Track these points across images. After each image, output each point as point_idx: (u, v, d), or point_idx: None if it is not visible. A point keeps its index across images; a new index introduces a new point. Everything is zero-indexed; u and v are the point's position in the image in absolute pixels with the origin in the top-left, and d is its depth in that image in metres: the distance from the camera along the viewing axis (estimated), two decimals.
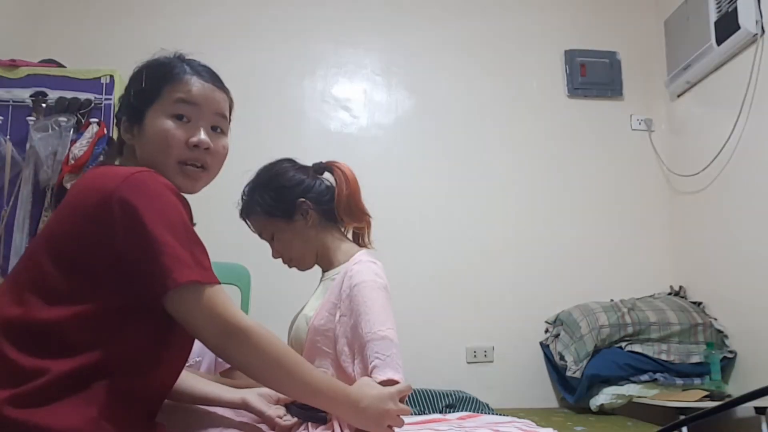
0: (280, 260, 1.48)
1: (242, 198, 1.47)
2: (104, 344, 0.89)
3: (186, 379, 1.24)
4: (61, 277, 0.91)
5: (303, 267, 1.46)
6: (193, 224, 1.84)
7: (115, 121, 1.11)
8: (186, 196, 1.04)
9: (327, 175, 1.48)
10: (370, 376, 1.18)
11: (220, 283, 0.95)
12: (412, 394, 2.35)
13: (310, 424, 1.20)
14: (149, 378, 0.96)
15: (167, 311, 0.92)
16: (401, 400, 1.15)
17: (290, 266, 1.47)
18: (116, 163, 1.11)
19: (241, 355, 0.95)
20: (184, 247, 0.91)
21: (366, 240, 1.47)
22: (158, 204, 0.92)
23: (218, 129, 1.10)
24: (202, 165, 1.06)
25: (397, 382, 1.16)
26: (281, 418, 1.26)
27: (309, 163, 1.50)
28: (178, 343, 1.01)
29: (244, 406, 1.27)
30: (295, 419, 1.25)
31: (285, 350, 1.00)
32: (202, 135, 1.05)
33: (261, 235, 1.46)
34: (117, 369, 0.90)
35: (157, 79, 1.06)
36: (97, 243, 0.91)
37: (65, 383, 0.85)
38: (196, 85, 1.07)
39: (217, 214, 2.03)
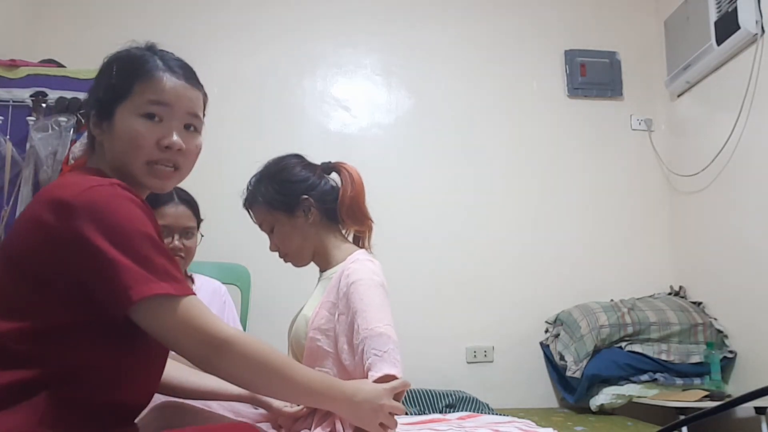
0: (280, 261, 1.47)
1: (247, 188, 1.47)
2: (62, 358, 0.86)
3: (191, 375, 1.25)
4: (16, 291, 0.88)
5: (298, 263, 1.46)
6: (201, 219, 1.82)
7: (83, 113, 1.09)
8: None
9: (334, 175, 1.48)
10: (366, 372, 1.17)
11: (194, 294, 0.92)
12: (412, 394, 2.37)
13: (313, 422, 1.20)
14: (119, 392, 0.93)
15: (139, 326, 0.89)
16: (398, 397, 1.15)
17: (285, 261, 1.46)
18: (88, 162, 1.07)
19: (228, 367, 0.92)
20: (145, 261, 0.87)
21: (366, 244, 1.47)
22: (113, 219, 0.87)
23: (191, 127, 1.06)
24: (173, 165, 1.03)
25: (393, 377, 1.15)
26: (286, 406, 1.28)
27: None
28: (147, 356, 0.98)
29: (251, 398, 1.29)
30: (300, 407, 1.27)
31: (272, 355, 0.97)
32: (174, 137, 1.01)
33: (261, 227, 1.46)
34: (77, 383, 0.87)
35: (128, 74, 1.02)
36: (52, 259, 0.87)
37: (20, 391, 0.83)
38: (169, 83, 1.02)
39: (217, 215, 2.04)
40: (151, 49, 1.07)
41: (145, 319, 0.88)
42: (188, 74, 1.07)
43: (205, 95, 1.11)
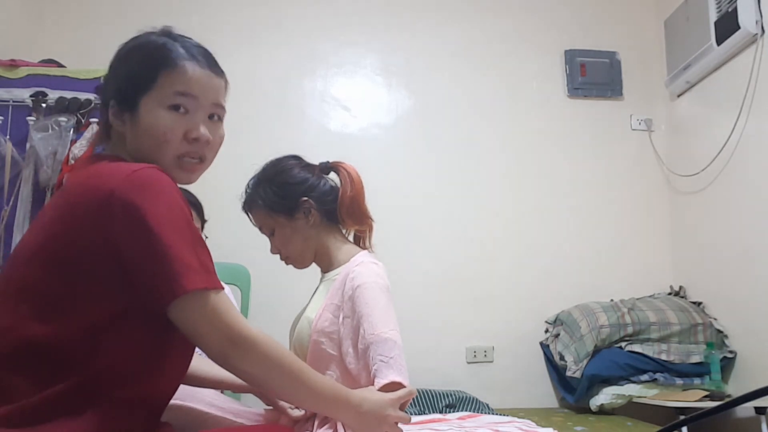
0: (280, 261, 1.47)
1: (246, 191, 1.46)
2: (101, 356, 0.85)
3: (200, 363, 1.24)
4: (55, 285, 0.86)
5: (300, 265, 1.45)
6: (205, 220, 1.84)
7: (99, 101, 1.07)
8: None
9: (333, 175, 1.47)
10: (373, 378, 1.17)
11: (223, 289, 0.92)
12: None
13: (315, 423, 1.21)
14: (150, 385, 0.93)
15: (169, 318, 0.88)
16: (403, 406, 1.14)
17: (287, 263, 1.46)
18: (102, 148, 1.05)
19: (246, 365, 0.92)
20: (191, 251, 0.87)
21: (367, 243, 1.46)
22: (164, 204, 0.87)
23: (215, 117, 1.05)
24: (199, 157, 1.03)
25: (399, 385, 1.15)
26: (292, 408, 1.30)
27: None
28: (179, 347, 0.98)
29: (258, 391, 1.32)
30: (303, 411, 1.28)
31: (289, 358, 0.98)
32: (202, 129, 1.01)
33: (261, 230, 1.45)
34: (115, 380, 0.86)
35: (152, 64, 0.99)
36: (96, 246, 0.85)
37: (61, 399, 0.82)
38: (195, 73, 1.00)
39: (217, 215, 2.04)
40: (170, 35, 1.05)
41: (178, 312, 0.87)
42: (211, 62, 1.05)
43: (226, 82, 1.08)
